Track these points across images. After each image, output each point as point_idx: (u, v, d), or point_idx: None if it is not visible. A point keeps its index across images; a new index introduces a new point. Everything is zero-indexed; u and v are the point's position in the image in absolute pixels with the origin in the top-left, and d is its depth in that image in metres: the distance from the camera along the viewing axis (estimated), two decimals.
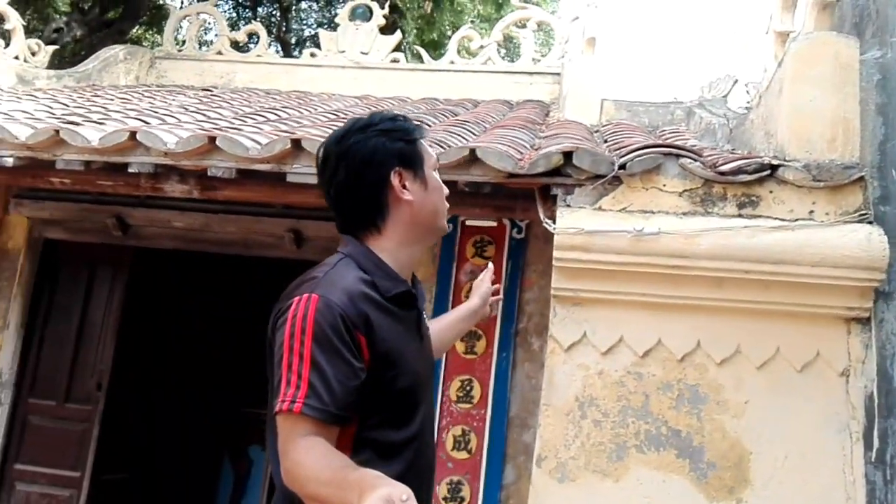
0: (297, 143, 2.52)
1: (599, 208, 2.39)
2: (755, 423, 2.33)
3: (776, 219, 2.30)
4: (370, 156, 1.43)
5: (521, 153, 2.73)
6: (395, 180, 1.43)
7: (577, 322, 2.43)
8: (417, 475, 1.41)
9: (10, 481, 4.24)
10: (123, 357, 4.48)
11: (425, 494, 1.48)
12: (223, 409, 5.39)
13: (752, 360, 2.35)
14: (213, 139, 2.54)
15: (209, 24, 7.96)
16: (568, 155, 2.38)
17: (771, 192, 2.32)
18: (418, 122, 1.62)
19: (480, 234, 3.76)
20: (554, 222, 2.40)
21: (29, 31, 13.02)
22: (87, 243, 4.46)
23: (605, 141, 3.59)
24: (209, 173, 2.59)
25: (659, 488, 2.32)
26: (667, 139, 3.74)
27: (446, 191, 1.56)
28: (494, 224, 3.49)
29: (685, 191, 2.36)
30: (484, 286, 1.94)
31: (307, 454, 1.27)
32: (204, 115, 4.15)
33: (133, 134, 2.60)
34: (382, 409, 1.38)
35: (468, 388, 3.58)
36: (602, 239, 2.33)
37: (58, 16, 12.52)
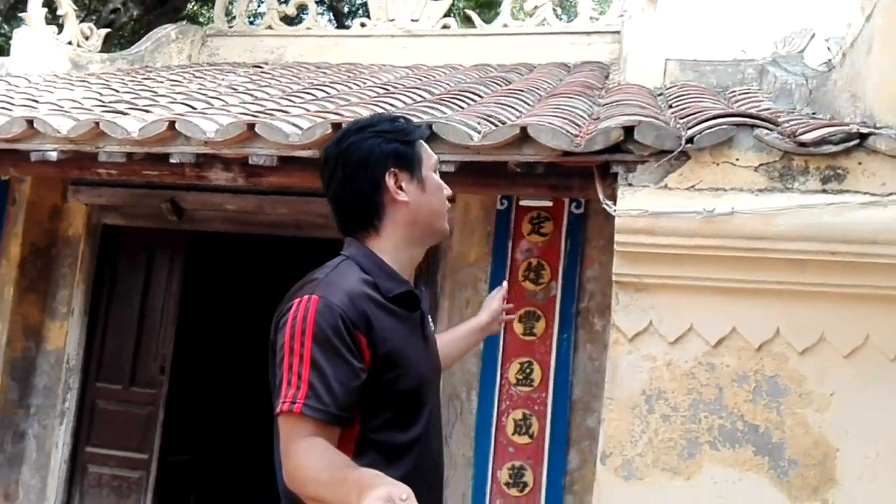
0: (337, 128, 2.39)
1: (665, 187, 2.20)
2: (842, 418, 2.13)
3: (866, 193, 2.06)
4: (365, 157, 1.44)
5: (578, 127, 2.54)
6: (390, 181, 1.43)
7: (642, 310, 2.26)
8: (422, 477, 1.40)
9: (83, 464, 4.35)
10: (182, 340, 4.52)
11: (434, 498, 1.50)
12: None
13: (838, 348, 2.14)
14: (252, 126, 2.44)
15: None
16: (629, 129, 2.18)
17: (860, 163, 2.08)
18: (419, 123, 1.59)
19: (537, 210, 3.59)
20: (614, 203, 2.22)
21: (90, 11, 13.28)
22: (144, 228, 4.48)
23: (670, 106, 3.35)
24: (250, 161, 2.50)
25: (734, 487, 2.15)
26: (738, 103, 3.47)
27: (447, 191, 1.53)
28: (550, 203, 3.31)
29: (761, 165, 2.14)
30: (495, 303, 1.90)
31: (307, 455, 1.28)
32: (252, 95, 4.08)
33: (172, 124, 2.52)
34: (385, 411, 1.38)
35: (528, 370, 3.46)
36: (668, 221, 2.14)
37: None
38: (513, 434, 3.42)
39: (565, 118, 2.64)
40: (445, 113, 3.10)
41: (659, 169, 2.20)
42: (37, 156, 2.74)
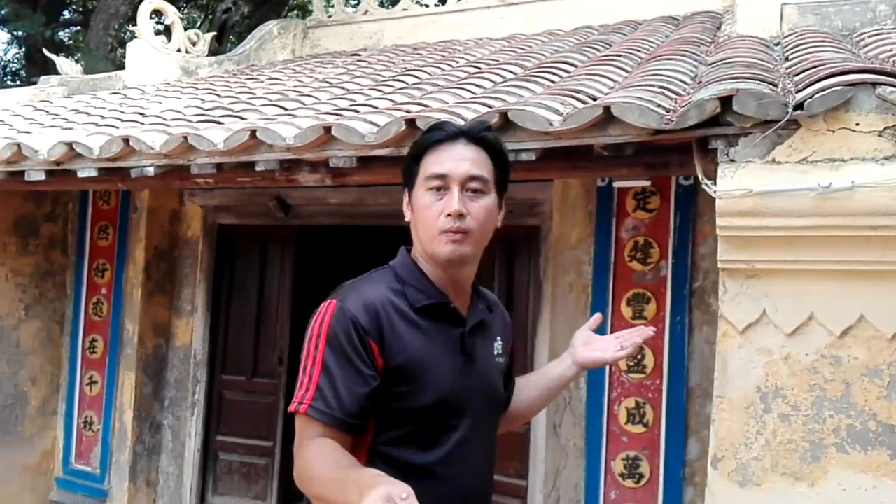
0: (411, 124, 2.31)
1: (772, 161, 1.95)
2: None
3: None
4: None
5: (675, 97, 2.32)
6: (405, 197, 1.47)
7: (754, 298, 2.03)
8: None
9: (214, 451, 4.60)
10: (298, 331, 4.64)
11: None
12: None
13: None
14: (328, 129, 2.40)
15: None
16: (727, 99, 1.95)
17: None
18: (444, 128, 1.45)
19: (642, 185, 3.36)
20: (715, 183, 2.00)
21: (206, 11, 13.82)
22: (255, 225, 4.63)
23: (787, 59, 3.01)
24: (330, 164, 2.47)
25: (868, 495, 1.91)
26: (867, 48, 3.07)
27: (449, 208, 1.36)
28: (648, 182, 3.08)
29: (887, 128, 1.84)
30: (578, 341, 1.71)
31: (313, 455, 1.29)
32: (343, 88, 4.07)
33: (253, 133, 2.53)
34: (400, 426, 1.35)
35: (639, 356, 3.27)
36: (778, 200, 1.90)
37: None
38: (626, 423, 3.26)
39: (660, 88, 2.42)
40: (533, 91, 2.95)
41: (764, 141, 1.95)
42: (136, 172, 2.85)
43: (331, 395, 1.30)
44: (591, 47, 4.30)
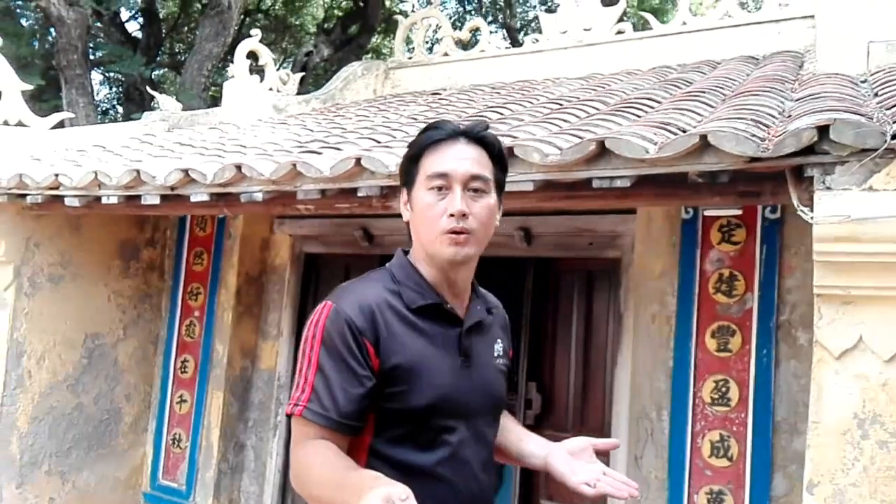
0: (511, 152, 2.42)
1: (869, 188, 1.98)
2: None
3: None
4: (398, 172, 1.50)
5: (766, 128, 2.37)
6: (401, 199, 1.48)
7: (851, 325, 2.05)
8: None
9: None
10: None
11: None
12: None
13: None
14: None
15: (437, 26, 8.20)
16: (824, 128, 2.00)
17: None
18: (441, 128, 1.45)
19: (727, 217, 3.38)
20: (811, 209, 2.04)
21: (287, 55, 14.50)
22: (340, 254, 4.82)
23: (876, 94, 3.02)
24: None
25: None
26: None
27: (451, 208, 1.36)
28: (740, 211, 3.11)
29: None
30: (576, 456, 1.51)
31: (310, 457, 1.29)
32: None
33: (358, 160, 2.69)
34: (396, 426, 1.35)
35: (724, 388, 3.26)
36: (876, 226, 1.93)
37: (308, 37, 13.81)
38: (709, 456, 3.23)
39: (751, 120, 2.48)
40: (620, 124, 3.04)
41: (861, 169, 1.99)
42: (245, 197, 3.05)
43: (326, 396, 1.30)
44: (672, 85, 4.37)
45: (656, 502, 3.33)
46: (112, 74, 14.00)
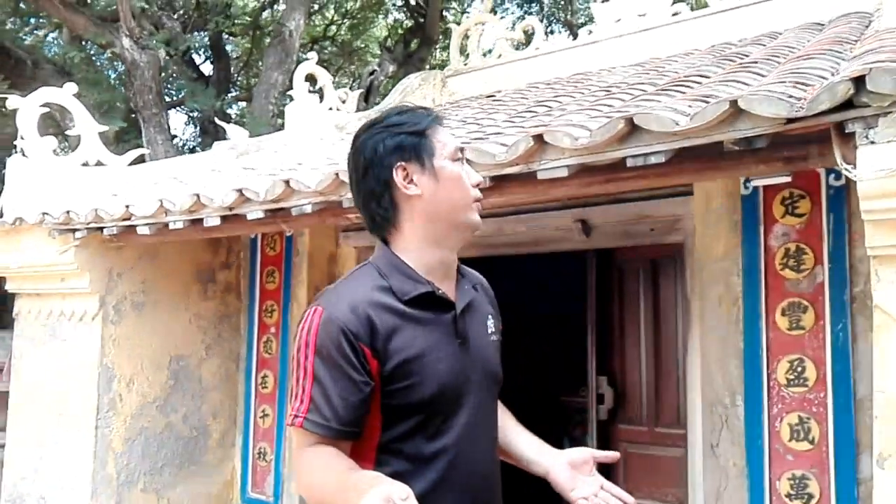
0: (539, 139, 2.41)
1: None
2: None
3: None
4: (371, 154, 1.40)
5: (805, 88, 2.26)
6: (398, 176, 1.39)
7: None
8: (454, 490, 1.35)
9: None
10: None
11: None
12: (541, 397, 5.49)
13: None
14: (461, 151, 2.55)
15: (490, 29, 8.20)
16: (861, 80, 1.89)
17: None
18: (429, 111, 1.48)
19: (789, 189, 3.23)
20: (855, 167, 1.93)
21: (355, 78, 14.84)
22: None
23: None
24: None
25: None
26: None
27: (475, 179, 1.45)
28: (788, 178, 2.96)
29: None
30: (577, 469, 1.48)
31: (311, 463, 1.30)
32: (478, 123, 4.25)
33: None
34: (407, 419, 1.34)
35: (799, 368, 3.10)
36: None
37: (373, 57, 14.11)
38: (789, 440, 3.08)
39: (792, 82, 2.37)
40: (661, 102, 2.96)
41: None
42: (297, 210, 3.14)
43: (325, 406, 1.29)
44: (727, 60, 4.22)
45: (737, 491, 3.20)
46: (194, 112, 14.74)
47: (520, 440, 1.58)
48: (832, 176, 3.10)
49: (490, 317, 1.55)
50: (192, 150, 15.60)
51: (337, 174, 2.93)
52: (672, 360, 3.87)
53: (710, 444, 3.32)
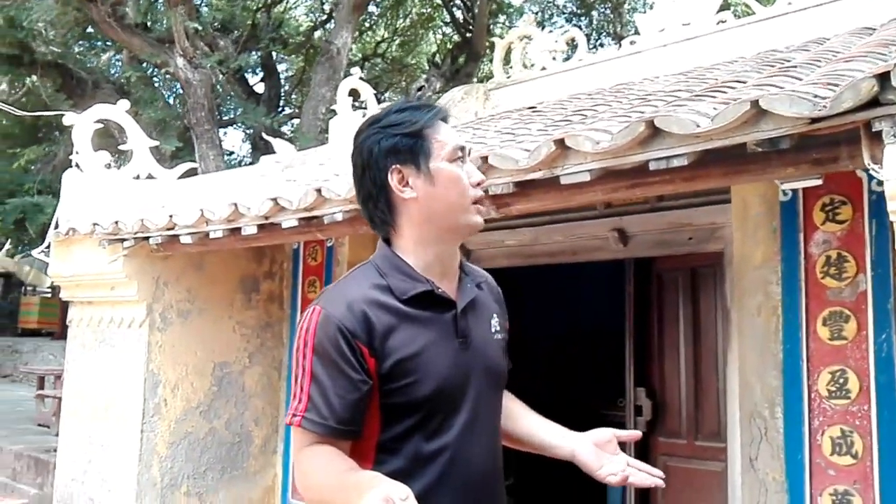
0: (561, 144, 2.40)
1: None
2: None
3: None
4: (367, 156, 1.40)
5: (833, 89, 2.20)
6: (392, 179, 1.38)
7: None
8: (454, 489, 1.35)
9: None
10: None
11: None
12: (582, 411, 5.43)
13: None
14: (485, 158, 2.56)
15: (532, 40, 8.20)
16: (884, 75, 1.83)
17: None
18: (431, 107, 1.44)
19: (829, 195, 3.14)
20: (882, 166, 1.87)
21: (405, 94, 15.02)
22: None
23: None
24: (489, 192, 2.61)
25: None
26: None
27: (475, 178, 1.41)
28: (819, 181, 2.87)
29: None
30: (602, 447, 1.48)
31: (309, 463, 1.30)
32: (512, 134, 4.26)
33: None
34: (406, 418, 1.34)
35: (841, 380, 2.99)
36: None
37: (421, 74, 14.28)
38: (831, 454, 2.96)
39: (823, 85, 2.31)
40: (689, 107, 2.92)
41: None
42: (329, 219, 3.20)
43: (323, 405, 1.29)
44: (768, 65, 4.14)
45: None
46: (249, 130, 15.16)
47: (540, 427, 1.58)
48: (874, 181, 3.00)
49: (495, 315, 1.53)
50: (249, 164, 16.05)
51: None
52: (712, 372, 3.78)
53: (748, 457, 3.23)
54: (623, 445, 1.51)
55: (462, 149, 1.42)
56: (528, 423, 1.59)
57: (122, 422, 4.49)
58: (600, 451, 1.47)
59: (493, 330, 1.50)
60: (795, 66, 3.46)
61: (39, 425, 7.86)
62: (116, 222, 4.12)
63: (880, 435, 2.87)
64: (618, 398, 4.65)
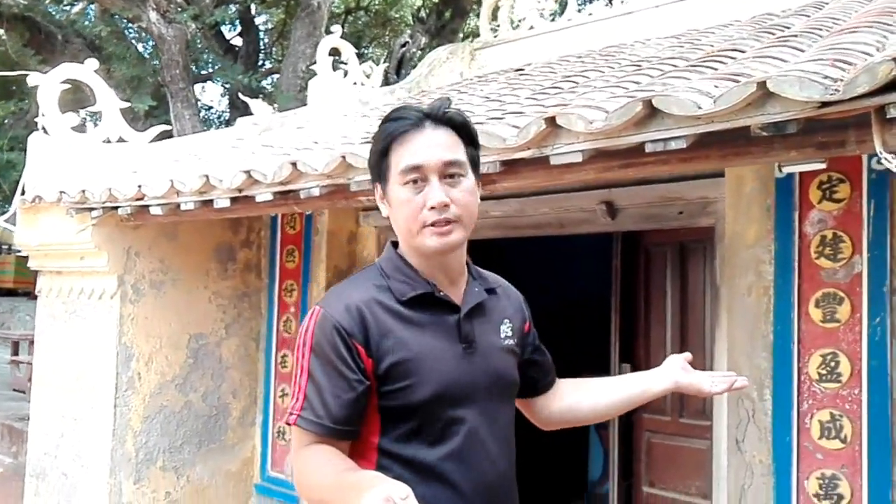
0: (552, 122, 2.26)
1: None
2: None
3: None
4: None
5: (844, 68, 2.07)
6: (376, 193, 1.44)
7: None
8: (461, 498, 1.32)
9: None
10: None
11: None
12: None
13: None
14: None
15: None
16: None
17: None
18: (407, 116, 1.39)
19: (826, 172, 3.03)
20: None
21: (388, 49, 14.67)
22: None
23: None
24: None
25: None
26: None
27: (432, 200, 1.33)
28: (823, 164, 2.75)
29: None
30: (686, 371, 1.61)
31: (308, 463, 1.30)
32: (500, 101, 4.09)
33: None
34: (403, 422, 1.33)
35: (832, 363, 2.93)
36: None
37: (407, 28, 13.90)
38: (819, 438, 2.91)
39: (829, 61, 2.17)
40: (691, 80, 2.77)
41: None
42: (305, 193, 3.05)
43: (318, 404, 1.30)
44: (767, 32, 3.98)
45: (762, 489, 3.05)
46: (227, 84, 14.73)
47: (621, 384, 1.65)
48: (874, 159, 2.88)
49: (507, 321, 1.50)
50: (228, 123, 15.66)
51: (344, 157, 2.81)
52: (699, 349, 3.71)
53: (735, 439, 3.17)
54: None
55: (415, 168, 1.35)
56: (613, 388, 1.63)
57: (94, 396, 4.36)
58: (692, 373, 1.57)
59: (501, 336, 1.48)
60: (795, 36, 3.31)
61: (15, 390, 7.74)
62: (83, 191, 3.93)
63: (870, 420, 2.81)
64: (604, 373, 4.60)
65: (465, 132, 1.42)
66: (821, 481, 2.90)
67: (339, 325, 1.31)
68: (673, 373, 1.56)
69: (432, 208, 1.33)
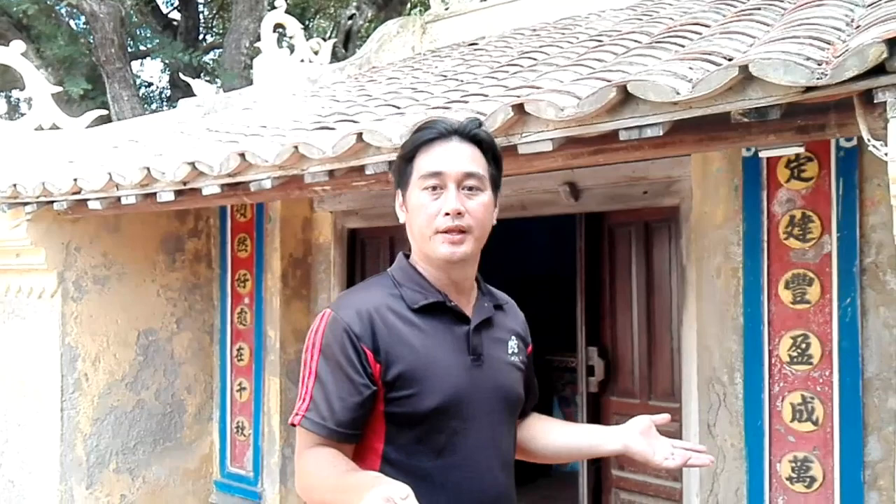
0: (520, 109, 2.12)
1: None
2: None
3: None
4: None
5: (826, 47, 1.98)
6: (397, 201, 1.46)
7: None
8: None
9: None
10: None
11: None
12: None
13: None
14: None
15: None
16: (894, 40, 1.61)
17: None
18: (434, 126, 1.42)
19: (794, 152, 2.97)
20: (885, 143, 1.67)
21: (334, 20, 14.23)
22: (382, 227, 4.61)
23: None
24: None
25: None
26: None
27: (447, 207, 1.34)
28: (801, 149, 2.69)
29: None
30: (646, 436, 1.51)
31: (310, 463, 1.30)
32: (458, 79, 3.94)
33: (360, 136, 2.44)
34: (407, 430, 1.33)
35: (803, 345, 2.90)
36: None
37: (352, 1, 13.50)
38: (791, 421, 2.90)
39: (807, 38, 2.08)
40: (659, 58, 2.66)
41: None
42: (255, 185, 2.86)
43: (324, 405, 1.31)
44: (726, 4, 3.90)
45: (735, 473, 3.03)
46: (167, 62, 14.14)
47: (580, 433, 1.63)
48: (843, 138, 2.84)
49: (514, 338, 1.51)
50: (169, 100, 15.06)
51: (296, 147, 2.63)
52: (666, 331, 3.66)
53: (706, 423, 3.14)
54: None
55: (435, 174, 1.37)
56: (567, 434, 1.61)
57: (39, 400, 4.13)
58: (649, 439, 1.49)
59: (508, 352, 1.48)
60: (759, 9, 3.23)
61: None
62: (15, 185, 3.66)
63: (842, 401, 2.80)
64: (570, 352, 4.55)
65: (491, 153, 1.44)
66: (793, 464, 2.89)
67: (349, 328, 1.32)
68: (628, 436, 1.51)
69: (447, 214, 1.34)
